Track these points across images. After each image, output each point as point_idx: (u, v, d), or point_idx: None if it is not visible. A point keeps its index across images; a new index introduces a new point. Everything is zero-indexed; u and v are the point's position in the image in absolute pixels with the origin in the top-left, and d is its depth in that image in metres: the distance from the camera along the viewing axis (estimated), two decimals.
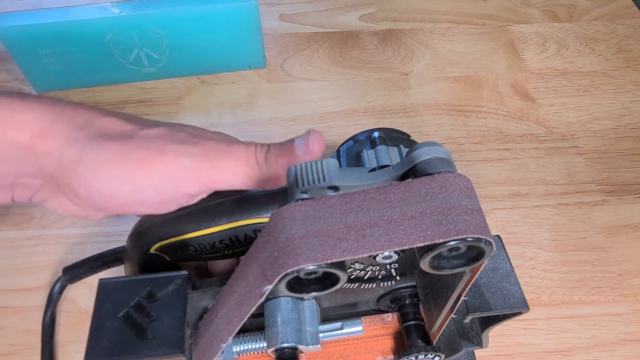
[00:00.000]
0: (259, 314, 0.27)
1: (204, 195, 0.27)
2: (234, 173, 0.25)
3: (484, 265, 0.20)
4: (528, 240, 0.44)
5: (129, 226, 0.31)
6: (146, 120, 0.26)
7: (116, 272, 0.32)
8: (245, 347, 0.27)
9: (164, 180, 0.24)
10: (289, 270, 0.18)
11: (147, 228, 0.29)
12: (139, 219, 0.30)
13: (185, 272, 0.26)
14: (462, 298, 0.23)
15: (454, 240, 0.18)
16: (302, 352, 0.27)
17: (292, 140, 0.25)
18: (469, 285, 0.22)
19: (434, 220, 0.18)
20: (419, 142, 0.27)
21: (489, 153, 0.50)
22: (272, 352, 0.26)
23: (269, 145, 0.26)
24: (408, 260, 0.26)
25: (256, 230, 0.29)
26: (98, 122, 0.24)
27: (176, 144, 0.24)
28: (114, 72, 0.54)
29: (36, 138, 0.23)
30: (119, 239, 0.31)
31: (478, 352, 0.34)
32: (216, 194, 0.29)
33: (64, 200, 0.26)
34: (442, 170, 0.20)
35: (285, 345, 0.25)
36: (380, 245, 0.18)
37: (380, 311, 0.31)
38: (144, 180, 0.24)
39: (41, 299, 0.39)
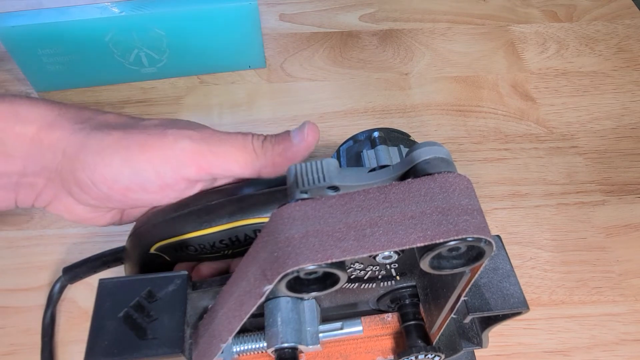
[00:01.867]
0: (259, 314, 0.27)
1: (204, 184, 0.27)
2: (232, 158, 0.26)
3: (484, 265, 0.20)
4: (528, 240, 0.44)
5: (128, 226, 0.31)
6: (146, 118, 0.28)
7: (116, 272, 0.32)
8: (245, 347, 0.27)
9: (164, 162, 0.24)
10: (289, 270, 0.18)
11: (147, 228, 0.29)
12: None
13: (185, 272, 0.26)
14: (462, 298, 0.23)
15: (454, 240, 0.18)
16: (302, 352, 0.27)
17: (287, 132, 0.26)
18: (469, 285, 0.22)
19: (434, 220, 0.18)
20: (419, 142, 0.27)
21: (489, 153, 0.50)
22: (272, 352, 0.26)
23: (265, 135, 0.26)
24: (408, 260, 0.26)
25: (256, 230, 0.29)
26: (101, 117, 0.25)
27: (175, 128, 0.25)
28: (114, 72, 0.54)
29: (42, 131, 0.24)
30: (119, 239, 0.31)
31: (478, 352, 0.34)
32: (216, 194, 0.29)
33: (68, 201, 0.27)
34: (442, 170, 0.20)
35: (285, 345, 0.25)
36: (380, 245, 0.18)
37: (380, 311, 0.31)
38: (144, 163, 0.24)
39: (41, 299, 0.39)
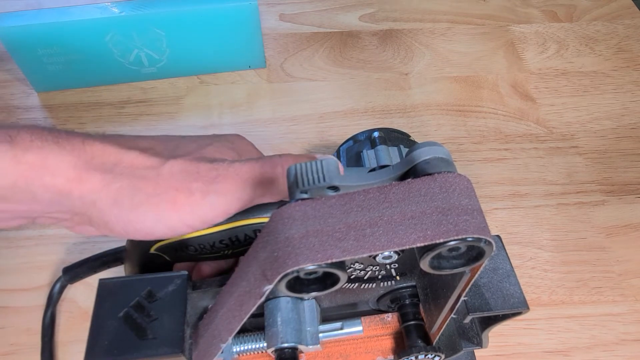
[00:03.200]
0: (259, 314, 0.27)
1: None
2: (258, 196, 0.26)
3: (484, 265, 0.20)
4: (528, 240, 0.44)
5: None
6: (165, 141, 0.27)
7: (116, 272, 0.32)
8: (245, 347, 0.27)
9: (194, 217, 0.25)
10: (289, 270, 0.18)
11: None
12: None
13: (185, 272, 0.26)
14: (462, 298, 0.23)
15: (454, 240, 0.18)
16: (302, 352, 0.27)
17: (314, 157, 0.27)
18: (469, 285, 0.22)
19: (434, 220, 0.18)
20: (419, 142, 0.27)
21: (489, 153, 0.50)
22: (272, 352, 0.26)
23: (293, 158, 0.27)
24: (408, 260, 0.26)
25: (256, 230, 0.29)
26: (126, 158, 0.25)
27: (200, 182, 0.25)
28: (114, 72, 0.54)
29: (71, 182, 0.24)
30: (119, 239, 0.31)
31: (478, 352, 0.34)
32: None
33: (91, 229, 0.27)
34: (442, 170, 0.20)
35: (285, 345, 0.25)
36: (380, 245, 0.18)
37: (380, 311, 0.31)
38: (176, 220, 0.25)
39: (41, 299, 0.39)
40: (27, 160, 0.23)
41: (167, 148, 0.27)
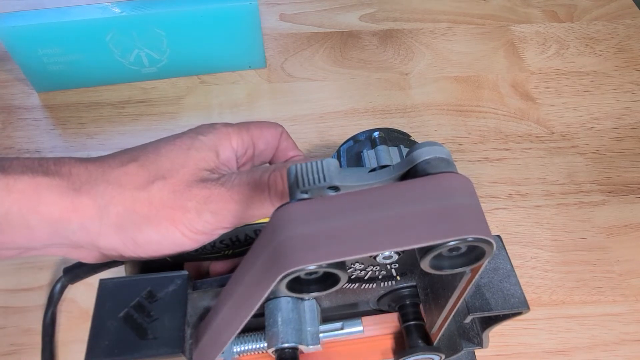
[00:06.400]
0: (259, 314, 0.27)
1: None
2: (253, 214, 0.26)
3: (484, 265, 0.20)
4: (528, 240, 0.44)
5: None
6: (145, 152, 0.27)
7: (116, 272, 0.32)
8: (246, 347, 0.27)
9: (195, 233, 0.26)
10: (289, 270, 0.18)
11: None
12: None
13: (185, 272, 0.26)
14: (463, 298, 0.23)
15: (454, 240, 0.18)
16: (302, 352, 0.27)
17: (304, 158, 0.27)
18: (470, 286, 0.22)
19: (434, 221, 0.18)
20: (419, 142, 0.27)
21: (489, 153, 0.50)
22: (272, 352, 0.26)
23: (279, 173, 0.26)
24: (408, 261, 0.26)
25: (256, 230, 0.29)
26: (112, 178, 0.25)
27: (193, 201, 0.26)
28: (114, 72, 0.54)
29: (68, 212, 0.24)
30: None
31: (478, 352, 0.34)
32: None
33: (99, 255, 0.27)
34: (443, 171, 0.20)
35: (286, 345, 0.25)
36: (380, 245, 0.18)
37: (380, 311, 0.31)
38: (180, 236, 0.26)
39: (41, 299, 0.39)
40: (18, 189, 0.23)
41: (148, 159, 0.27)
